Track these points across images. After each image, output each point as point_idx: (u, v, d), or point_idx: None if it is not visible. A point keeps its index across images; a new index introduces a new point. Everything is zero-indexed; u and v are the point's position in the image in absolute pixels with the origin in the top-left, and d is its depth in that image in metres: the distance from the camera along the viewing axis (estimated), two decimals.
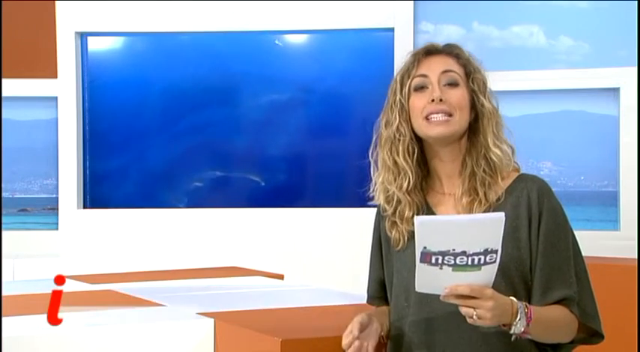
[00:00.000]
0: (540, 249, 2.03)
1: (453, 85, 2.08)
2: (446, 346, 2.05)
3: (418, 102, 2.08)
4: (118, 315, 2.67)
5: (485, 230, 1.83)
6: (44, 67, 6.04)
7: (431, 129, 2.07)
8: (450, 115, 2.06)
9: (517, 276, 2.03)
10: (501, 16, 5.96)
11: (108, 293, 3.20)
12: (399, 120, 2.10)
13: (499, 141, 2.09)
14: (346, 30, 6.07)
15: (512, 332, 1.92)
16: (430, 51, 2.12)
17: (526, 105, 5.85)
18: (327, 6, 6.00)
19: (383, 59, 5.92)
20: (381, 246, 2.21)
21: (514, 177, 2.10)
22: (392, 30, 5.94)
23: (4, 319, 2.34)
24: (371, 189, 2.17)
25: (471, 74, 2.10)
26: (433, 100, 2.05)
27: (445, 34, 5.89)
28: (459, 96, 2.07)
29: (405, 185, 2.10)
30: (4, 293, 2.79)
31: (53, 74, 6.07)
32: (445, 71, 2.09)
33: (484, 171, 2.07)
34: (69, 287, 2.75)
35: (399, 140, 2.10)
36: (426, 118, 2.06)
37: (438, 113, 2.05)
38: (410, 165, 2.10)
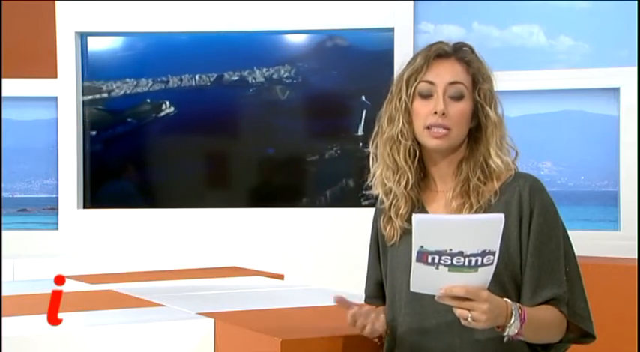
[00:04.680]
0: (530, 247, 2.03)
1: (457, 97, 2.07)
2: (437, 347, 2.05)
3: (422, 109, 2.07)
4: (118, 315, 2.67)
5: (484, 231, 1.82)
6: (44, 67, 6.04)
7: (429, 141, 2.07)
8: (450, 129, 2.06)
9: (507, 276, 2.03)
10: (501, 16, 5.96)
11: (108, 293, 3.20)
12: (403, 122, 2.09)
13: (501, 152, 2.09)
14: (346, 30, 6.07)
15: (505, 333, 1.91)
16: (441, 55, 2.10)
17: (526, 105, 5.85)
18: (327, 6, 6.00)
19: (383, 59, 5.92)
20: (378, 245, 2.21)
21: (508, 176, 2.10)
22: (392, 30, 5.94)
23: (4, 319, 2.34)
24: (369, 180, 2.18)
25: (478, 84, 2.08)
26: (436, 113, 2.05)
27: (445, 34, 5.88)
28: (461, 110, 2.07)
29: (403, 183, 2.11)
30: (4, 293, 2.79)
31: (53, 74, 6.07)
32: (452, 83, 2.07)
33: (478, 178, 2.07)
34: (69, 287, 2.74)
35: (401, 142, 2.10)
36: (427, 127, 2.07)
37: (438, 127, 2.05)
38: (410, 166, 2.11)
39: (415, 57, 2.12)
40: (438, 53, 2.10)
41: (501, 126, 2.10)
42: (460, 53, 2.11)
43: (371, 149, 2.17)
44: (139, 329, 2.44)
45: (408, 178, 2.10)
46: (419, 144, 2.11)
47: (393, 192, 2.12)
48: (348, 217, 5.79)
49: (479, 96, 2.08)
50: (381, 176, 2.14)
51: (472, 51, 2.13)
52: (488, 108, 2.08)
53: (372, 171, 2.17)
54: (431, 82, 2.07)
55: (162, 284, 3.48)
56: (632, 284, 3.90)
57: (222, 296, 3.19)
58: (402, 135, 2.10)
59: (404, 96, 2.09)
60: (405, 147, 2.10)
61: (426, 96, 2.08)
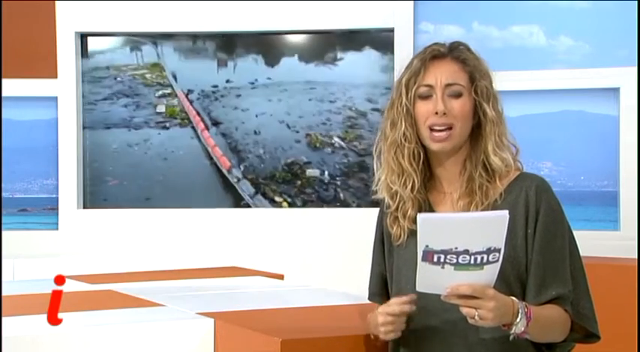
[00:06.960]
0: (536, 247, 2.04)
1: (456, 95, 2.09)
2: (443, 346, 2.05)
3: (423, 110, 2.10)
4: (118, 315, 2.67)
5: (489, 228, 1.83)
6: (44, 67, 6.04)
7: (433, 144, 2.10)
8: (452, 128, 2.07)
9: (513, 275, 2.04)
10: (501, 16, 5.96)
11: (108, 293, 3.19)
12: (405, 125, 2.11)
13: (500, 149, 2.10)
14: (346, 30, 6.07)
15: (512, 332, 1.92)
16: (436, 56, 2.12)
17: (526, 105, 5.85)
18: (327, 6, 6.00)
19: (383, 59, 5.92)
20: (383, 242, 2.22)
21: (514, 176, 2.11)
22: (392, 30, 5.94)
23: (4, 319, 2.34)
24: (374, 185, 2.18)
25: (475, 81, 2.10)
26: (437, 113, 2.07)
27: (445, 34, 5.88)
28: (461, 106, 2.09)
29: (409, 186, 2.12)
30: (4, 293, 2.79)
31: (53, 74, 6.07)
32: (449, 84, 2.09)
33: (482, 176, 2.08)
34: (69, 287, 2.74)
35: (405, 145, 2.11)
36: (430, 129, 2.08)
37: (440, 126, 2.07)
38: (415, 169, 2.12)
39: (412, 60, 2.14)
40: (433, 54, 2.12)
41: (500, 124, 2.11)
42: (455, 52, 2.13)
43: (375, 154, 2.18)
44: (139, 329, 2.44)
45: (413, 181, 2.12)
46: (423, 146, 2.12)
47: (399, 195, 2.13)
48: (349, 217, 5.79)
49: (476, 93, 2.09)
50: (386, 180, 2.15)
51: (468, 49, 2.15)
52: (485, 105, 2.10)
53: (376, 176, 2.18)
54: (429, 85, 2.10)
55: (162, 284, 3.48)
56: (632, 284, 3.90)
57: (222, 296, 3.19)
58: (405, 139, 2.11)
59: (404, 100, 2.11)
60: (409, 150, 2.11)
61: (426, 97, 2.10)
